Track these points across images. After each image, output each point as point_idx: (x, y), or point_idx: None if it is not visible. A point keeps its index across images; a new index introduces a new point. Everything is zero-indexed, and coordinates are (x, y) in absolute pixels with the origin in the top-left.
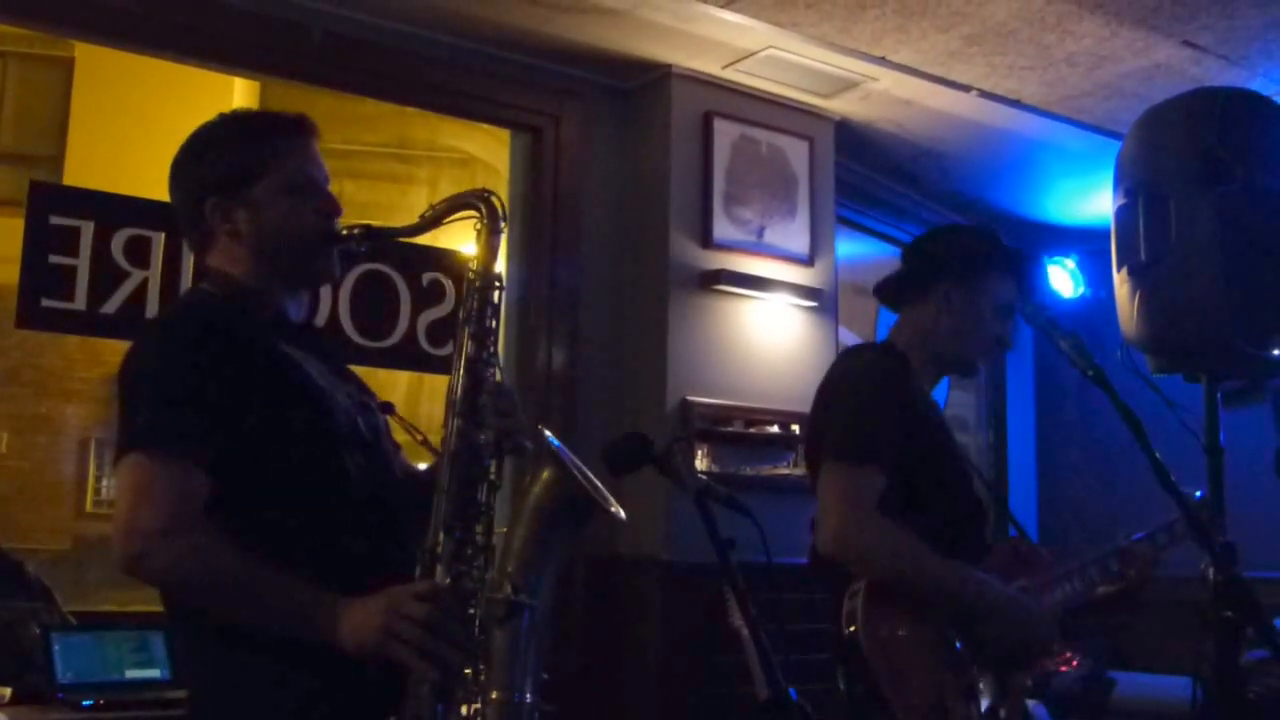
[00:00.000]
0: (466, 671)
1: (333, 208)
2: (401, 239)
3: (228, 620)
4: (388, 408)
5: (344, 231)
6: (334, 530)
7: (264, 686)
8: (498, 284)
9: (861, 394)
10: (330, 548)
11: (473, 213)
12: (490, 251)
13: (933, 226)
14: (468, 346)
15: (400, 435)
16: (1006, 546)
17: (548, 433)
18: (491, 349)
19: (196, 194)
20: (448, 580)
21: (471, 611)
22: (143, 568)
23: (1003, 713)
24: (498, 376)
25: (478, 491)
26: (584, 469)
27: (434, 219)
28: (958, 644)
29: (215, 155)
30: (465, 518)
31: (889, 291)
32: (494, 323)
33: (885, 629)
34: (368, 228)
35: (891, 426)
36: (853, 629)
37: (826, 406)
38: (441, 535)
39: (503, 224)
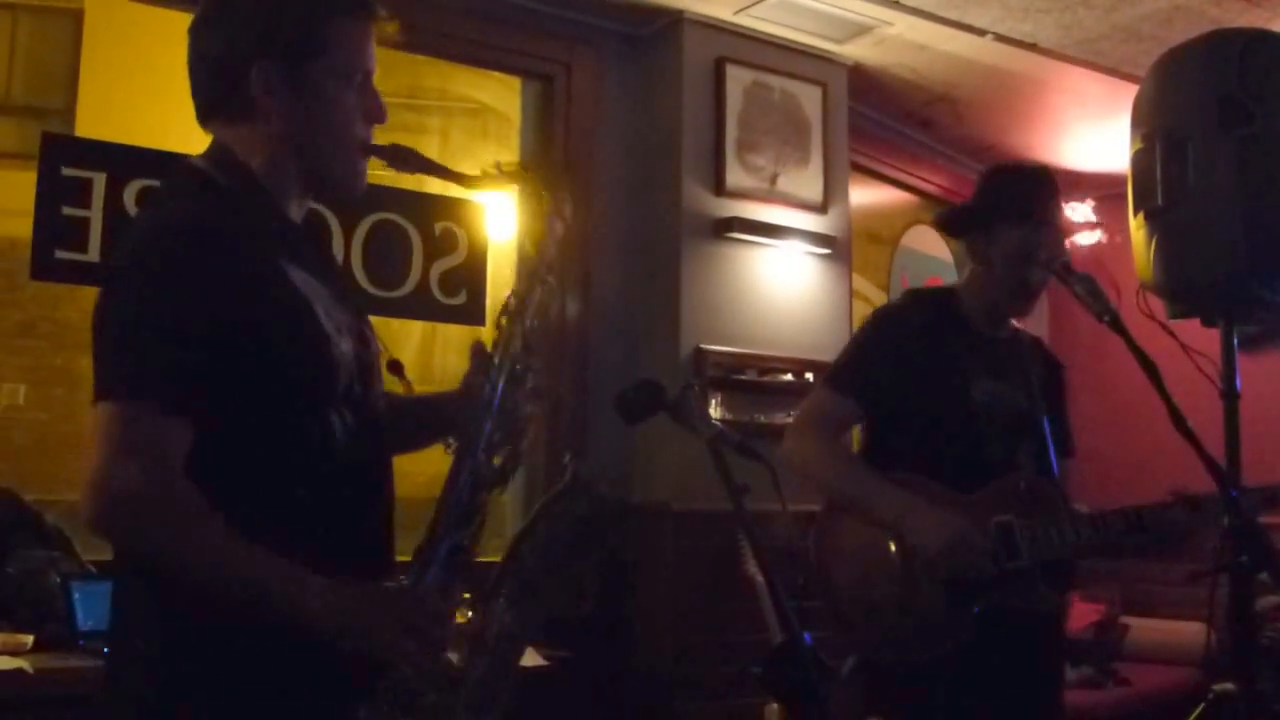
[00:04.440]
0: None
1: (381, 114)
2: (417, 171)
3: (193, 585)
4: (396, 367)
5: (382, 146)
6: (306, 498)
7: (236, 653)
8: (551, 280)
9: (863, 331)
10: (300, 516)
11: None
12: (555, 243)
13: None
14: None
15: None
16: (1011, 480)
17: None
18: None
19: (242, 50)
20: (434, 587)
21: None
22: (110, 531)
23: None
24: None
25: (480, 498)
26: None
27: (486, 185)
28: (900, 562)
29: (275, 12)
30: (465, 525)
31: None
32: (540, 322)
33: (832, 537)
34: (397, 148)
35: (876, 364)
36: (813, 531)
37: None
38: (441, 541)
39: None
